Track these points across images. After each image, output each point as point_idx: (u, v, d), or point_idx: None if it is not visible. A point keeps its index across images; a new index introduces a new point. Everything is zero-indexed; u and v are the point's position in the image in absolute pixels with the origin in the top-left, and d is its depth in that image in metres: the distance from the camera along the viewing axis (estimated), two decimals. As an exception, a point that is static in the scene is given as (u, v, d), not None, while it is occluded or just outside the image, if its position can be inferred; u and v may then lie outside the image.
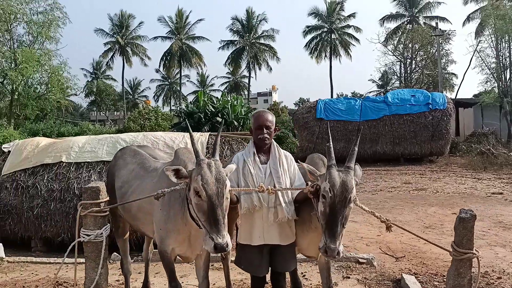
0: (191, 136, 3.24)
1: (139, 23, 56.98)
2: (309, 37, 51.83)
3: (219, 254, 5.13)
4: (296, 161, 3.61)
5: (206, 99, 28.12)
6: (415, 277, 5.18)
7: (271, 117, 3.55)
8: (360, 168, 3.22)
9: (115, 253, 6.45)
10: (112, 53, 56.68)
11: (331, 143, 3.25)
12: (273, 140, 3.60)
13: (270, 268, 3.55)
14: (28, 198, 7.77)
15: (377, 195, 12.64)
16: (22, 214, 7.72)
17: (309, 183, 3.27)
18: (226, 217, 2.94)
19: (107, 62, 58.39)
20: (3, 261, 6.46)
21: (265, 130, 3.48)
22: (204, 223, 2.90)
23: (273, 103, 50.86)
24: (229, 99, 29.29)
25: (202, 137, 8.22)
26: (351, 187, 2.92)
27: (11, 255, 6.95)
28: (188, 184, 3.05)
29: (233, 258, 3.83)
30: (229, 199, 3.04)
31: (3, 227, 7.70)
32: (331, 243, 2.82)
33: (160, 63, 55.61)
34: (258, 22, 54.41)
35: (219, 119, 25.88)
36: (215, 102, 28.45)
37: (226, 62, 55.33)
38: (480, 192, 12.25)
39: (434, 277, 5.35)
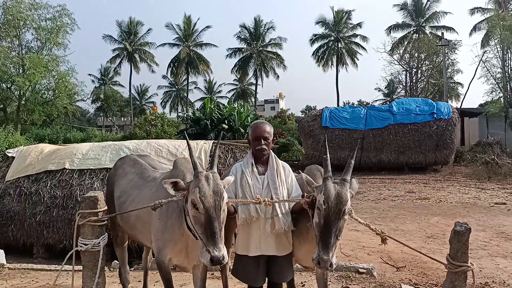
0: (189, 148, 3.26)
1: (148, 30, 57.27)
2: (316, 45, 51.96)
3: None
4: (296, 171, 3.63)
5: (212, 106, 28.23)
6: (415, 287, 5.17)
7: (268, 128, 3.58)
8: (357, 181, 3.24)
9: (115, 261, 6.47)
10: (120, 59, 56.99)
11: (328, 155, 3.27)
12: (271, 151, 3.63)
13: (267, 278, 3.56)
14: (31, 205, 7.84)
15: (380, 204, 12.60)
16: (25, 220, 7.78)
17: (306, 194, 3.29)
18: (223, 229, 2.96)
19: (115, 68, 58.75)
20: (4, 268, 6.49)
21: (263, 141, 3.51)
22: (201, 235, 2.91)
23: (280, 110, 50.93)
24: (235, 106, 29.39)
25: (205, 145, 8.27)
26: (345, 199, 2.94)
27: (13, 261, 7.00)
28: (186, 196, 3.06)
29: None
30: (226, 212, 3.06)
31: (6, 234, 7.76)
32: (324, 254, 2.84)
33: (167, 69, 55.90)
34: (266, 30, 54.62)
35: (225, 126, 25.98)
36: (222, 109, 28.56)
37: (233, 69, 55.55)
38: (484, 202, 12.19)
39: (434, 287, 5.33)
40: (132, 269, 6.33)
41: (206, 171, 3.06)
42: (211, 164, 3.18)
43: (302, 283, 5.45)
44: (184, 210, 3.14)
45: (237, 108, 28.15)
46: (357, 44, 51.03)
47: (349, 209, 3.02)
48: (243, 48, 54.49)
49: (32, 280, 5.95)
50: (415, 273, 6.11)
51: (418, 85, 42.86)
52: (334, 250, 2.88)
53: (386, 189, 15.60)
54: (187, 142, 3.40)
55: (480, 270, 6.11)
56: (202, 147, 8.21)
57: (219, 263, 2.83)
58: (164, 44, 55.76)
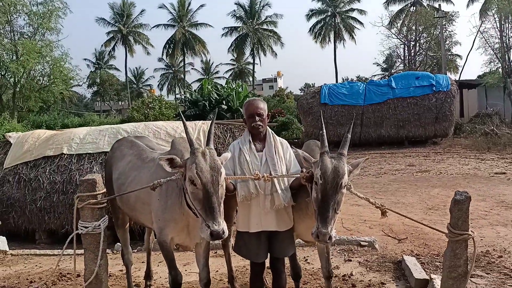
0: (184, 126, 3.24)
1: (141, 11, 56.78)
2: (313, 21, 51.52)
3: (220, 241, 5.19)
4: (292, 148, 3.61)
5: (210, 87, 28.10)
6: (417, 258, 5.20)
7: (262, 105, 3.54)
8: (361, 163, 3.19)
9: (118, 243, 6.48)
10: (114, 43, 56.56)
11: (324, 130, 3.25)
12: (268, 127, 3.60)
13: (269, 254, 3.56)
14: (30, 191, 7.82)
15: (381, 178, 12.63)
16: (26, 207, 7.77)
17: (304, 170, 3.27)
18: (222, 204, 2.95)
19: (110, 52, 58.37)
20: (7, 254, 6.51)
21: (257, 117, 3.48)
22: (200, 211, 2.91)
23: (278, 89, 50.75)
24: (233, 86, 29.26)
25: (203, 126, 8.21)
26: (342, 173, 2.93)
27: (15, 248, 7.01)
28: (184, 173, 3.05)
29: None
30: (224, 187, 3.05)
31: (7, 221, 7.74)
32: (322, 228, 2.83)
33: (163, 51, 55.50)
34: (261, 8, 54.11)
35: (224, 106, 25.90)
36: (220, 89, 28.43)
37: (229, 48, 55.11)
38: (483, 173, 12.21)
39: (436, 257, 5.36)
40: (135, 250, 6.35)
41: (203, 148, 3.03)
42: (208, 140, 3.17)
43: (305, 258, 5.47)
44: (183, 188, 3.13)
45: (235, 88, 28.03)
46: (355, 19, 50.66)
47: (346, 183, 3.00)
48: (238, 27, 54.03)
49: (35, 265, 5.97)
50: (417, 244, 6.14)
51: (417, 59, 42.67)
52: (333, 224, 2.87)
53: (386, 164, 15.62)
54: (183, 120, 3.37)
55: (481, 239, 6.14)
56: (201, 127, 8.15)
57: (219, 237, 2.82)
58: (159, 25, 55.32)
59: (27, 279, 5.30)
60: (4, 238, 6.87)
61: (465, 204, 3.01)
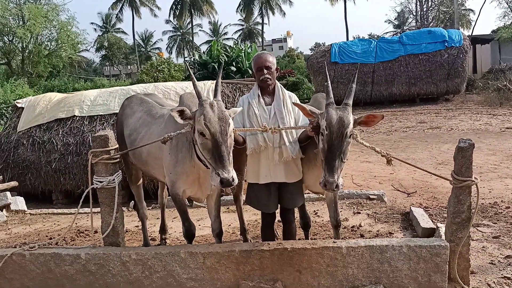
0: (192, 78, 3.29)
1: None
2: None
3: (231, 196, 5.30)
4: (297, 103, 3.63)
5: (219, 49, 27.84)
6: (425, 210, 5.28)
7: (270, 58, 3.56)
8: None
9: (132, 201, 6.64)
10: (121, 5, 55.88)
11: (329, 82, 3.27)
12: (277, 81, 3.62)
13: (279, 205, 3.66)
14: (45, 153, 7.99)
15: (391, 135, 12.64)
16: (41, 168, 7.96)
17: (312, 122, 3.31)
18: (231, 154, 3.02)
19: (117, 15, 57.68)
20: (26, 214, 6.72)
21: (265, 70, 3.49)
22: (209, 160, 2.98)
23: (288, 49, 50.10)
24: (242, 47, 28.96)
25: (213, 85, 8.24)
26: (347, 122, 2.97)
27: (33, 208, 7.21)
28: (193, 126, 3.11)
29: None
30: (233, 137, 3.11)
31: (24, 182, 7.95)
32: (329, 176, 2.89)
33: (170, 12, 54.84)
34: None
35: (233, 68, 25.74)
36: (229, 51, 28.16)
37: (238, 8, 54.26)
38: (495, 128, 12.15)
39: (444, 209, 5.42)
40: (150, 208, 6.50)
41: (211, 100, 3.09)
42: (215, 92, 3.22)
43: (314, 211, 5.58)
44: (193, 141, 3.19)
45: (244, 49, 27.75)
46: (365, -26, 49.26)
47: (352, 133, 3.04)
48: (246, -15, 53.02)
49: (54, 223, 6.16)
50: (426, 197, 6.21)
51: (429, 14, 41.70)
52: (339, 172, 2.93)
53: (397, 121, 15.59)
54: (190, 72, 3.40)
55: (490, 191, 6.20)
56: (210, 87, 8.19)
57: (229, 185, 2.89)
58: (165, -15, 54.30)
59: (47, 236, 5.48)
60: (22, 198, 7.07)
61: (468, 151, 3.05)
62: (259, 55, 3.62)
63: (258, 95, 3.57)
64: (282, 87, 3.65)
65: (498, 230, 4.59)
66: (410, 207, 5.18)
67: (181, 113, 3.11)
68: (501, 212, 5.23)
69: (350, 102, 3.12)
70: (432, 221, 4.75)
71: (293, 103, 3.44)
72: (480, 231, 4.57)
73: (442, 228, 3.88)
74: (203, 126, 2.95)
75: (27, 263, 3.54)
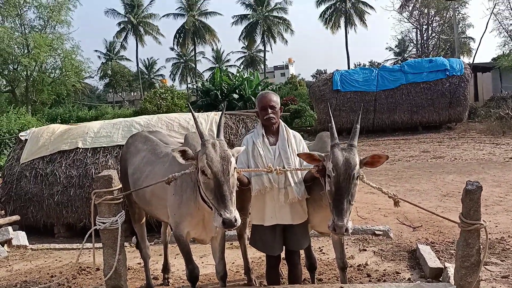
0: (194, 119, 3.32)
1: (150, 1, 56.65)
2: (322, 7, 50.96)
3: (235, 233, 5.23)
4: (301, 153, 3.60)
5: (222, 76, 28.05)
6: (432, 246, 5.21)
7: (275, 98, 3.56)
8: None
9: (135, 238, 6.56)
10: (125, 33, 56.58)
11: (333, 123, 3.27)
12: (281, 121, 3.62)
13: (284, 246, 3.60)
14: (47, 186, 7.95)
15: (395, 165, 12.59)
16: (43, 201, 7.91)
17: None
18: (234, 194, 3.00)
19: (121, 43, 58.33)
20: (27, 249, 6.64)
21: (269, 110, 3.49)
22: (212, 201, 2.97)
23: (290, 76, 50.43)
24: (245, 75, 29.18)
25: (216, 117, 8.27)
26: (354, 164, 2.95)
27: (35, 242, 7.15)
28: (197, 166, 3.11)
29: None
30: (235, 177, 3.10)
31: (26, 215, 7.90)
32: (338, 220, 2.86)
33: (173, 40, 55.40)
34: (270, -6, 53.60)
35: (235, 95, 25.87)
36: (231, 78, 28.37)
37: (240, 36, 54.91)
38: (499, 158, 12.10)
39: (450, 245, 5.35)
40: (153, 243, 6.43)
41: (213, 140, 3.10)
42: (218, 132, 3.26)
43: (320, 248, 5.51)
44: (197, 182, 3.17)
45: (247, 77, 27.96)
46: (365, 4, 49.88)
47: (359, 174, 3.02)
48: (248, 14, 53.70)
49: (56, 260, 6.08)
50: (432, 232, 6.13)
51: (429, 43, 42.14)
52: (348, 215, 2.90)
53: (400, 150, 15.56)
54: (192, 113, 3.47)
55: (496, 225, 6.12)
56: (213, 118, 8.20)
57: (231, 226, 2.86)
58: (168, 14, 55.16)
59: (48, 274, 5.39)
60: (24, 233, 7.00)
61: (476, 193, 3.02)
62: (264, 94, 3.63)
63: (263, 134, 3.56)
64: (287, 126, 3.65)
65: (506, 268, 4.50)
66: (417, 244, 5.10)
67: (183, 153, 3.12)
68: (509, 249, 5.14)
69: (355, 143, 3.11)
70: (439, 258, 4.68)
71: (297, 154, 3.40)
72: (488, 270, 4.47)
73: (450, 268, 3.81)
74: (205, 166, 2.95)
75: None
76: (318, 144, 3.71)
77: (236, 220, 2.86)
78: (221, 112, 3.48)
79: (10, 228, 6.79)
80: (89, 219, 7.64)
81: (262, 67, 57.64)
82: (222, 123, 3.31)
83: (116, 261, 3.50)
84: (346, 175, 2.94)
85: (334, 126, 3.23)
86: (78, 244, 6.76)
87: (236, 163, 3.24)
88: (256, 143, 3.52)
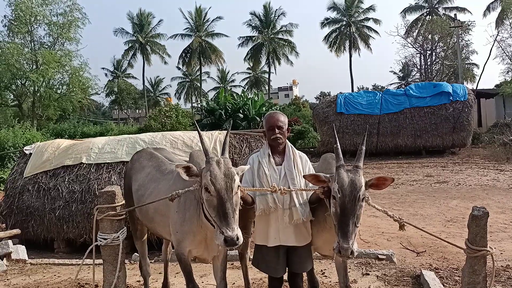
0: (200, 136, 3.35)
1: (158, 21, 57.33)
2: (327, 30, 51.41)
3: (237, 252, 5.17)
4: (312, 159, 3.61)
5: (226, 96, 28.19)
6: (436, 272, 5.14)
7: (282, 118, 3.56)
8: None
9: (135, 253, 6.51)
10: (132, 52, 57.08)
11: (338, 144, 3.26)
12: (287, 141, 3.61)
13: (287, 268, 3.55)
14: (49, 200, 7.92)
15: (398, 189, 12.52)
16: (44, 216, 7.86)
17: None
18: (236, 212, 2.98)
19: (129, 61, 58.78)
20: (26, 264, 6.59)
21: (277, 130, 3.49)
22: (214, 218, 2.95)
23: (294, 97, 50.67)
24: (249, 95, 29.34)
25: (220, 136, 8.26)
26: (359, 186, 2.94)
27: (34, 256, 7.08)
28: (201, 184, 3.09)
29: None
30: (239, 195, 3.08)
31: (26, 229, 7.84)
32: (344, 243, 2.83)
33: (179, 60, 55.80)
34: (276, 17, 54.14)
35: (240, 115, 25.96)
36: (236, 98, 28.51)
37: (245, 57, 55.30)
38: (503, 184, 12.03)
39: (455, 271, 5.28)
40: (153, 261, 6.37)
41: (218, 157, 3.10)
42: (223, 150, 3.24)
43: (322, 271, 5.44)
44: (201, 200, 3.15)
45: (251, 97, 28.09)
46: (370, 28, 50.37)
47: (364, 196, 3.00)
48: (254, 36, 54.16)
49: (54, 275, 6.02)
50: (436, 257, 6.07)
51: (433, 68, 42.36)
52: (354, 238, 2.87)
53: (404, 174, 15.50)
54: (198, 131, 3.49)
55: (501, 253, 6.05)
56: (217, 137, 8.20)
57: (233, 244, 2.83)
58: (176, 35, 55.62)
59: (46, 289, 5.35)
60: (23, 247, 6.95)
61: (483, 219, 2.99)
62: (271, 114, 3.62)
63: (269, 154, 3.54)
64: (293, 147, 3.63)
65: (512, 297, 4.44)
66: (421, 270, 5.04)
67: (187, 169, 3.11)
68: (515, 277, 5.07)
69: (361, 164, 3.10)
70: (444, 285, 4.61)
71: (303, 176, 3.37)
72: (494, 298, 4.41)
73: (455, 295, 3.75)
74: (209, 182, 2.95)
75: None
76: (323, 165, 3.69)
77: (238, 238, 2.84)
78: (225, 131, 3.49)
79: (10, 241, 6.75)
80: (90, 235, 7.64)
81: (267, 88, 57.88)
82: (227, 141, 3.31)
83: (116, 278, 3.47)
84: (351, 196, 2.92)
85: (339, 147, 3.22)
86: (77, 260, 6.71)
87: (240, 182, 3.23)
88: (261, 163, 3.51)
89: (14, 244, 6.90)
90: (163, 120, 25.79)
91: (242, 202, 3.24)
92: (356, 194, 2.93)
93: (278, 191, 3.29)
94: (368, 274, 5.29)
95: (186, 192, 3.25)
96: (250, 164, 3.52)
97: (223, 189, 2.93)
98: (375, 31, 50.03)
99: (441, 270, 5.43)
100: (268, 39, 53.15)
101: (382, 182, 3.14)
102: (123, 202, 3.64)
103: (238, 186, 3.07)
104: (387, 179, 3.12)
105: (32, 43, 28.61)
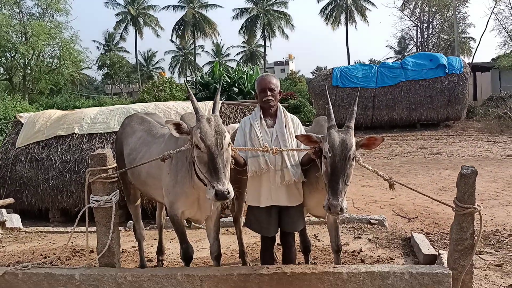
0: (190, 95, 3.32)
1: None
2: (323, 3, 50.83)
3: (231, 217, 5.21)
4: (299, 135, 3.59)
5: (221, 70, 27.99)
6: (426, 236, 5.21)
7: (274, 80, 3.54)
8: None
9: (130, 221, 6.54)
10: (124, 24, 56.32)
11: (330, 105, 3.29)
12: (279, 104, 3.60)
13: (279, 228, 3.59)
14: (43, 170, 7.92)
15: (392, 160, 12.59)
16: (38, 186, 7.88)
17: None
18: (227, 168, 3.01)
19: (121, 34, 58.09)
20: (21, 232, 6.61)
21: (268, 92, 3.47)
22: (205, 174, 2.97)
23: (290, 72, 50.36)
24: (244, 69, 29.15)
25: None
26: (350, 145, 2.97)
27: (29, 225, 7.10)
28: (192, 143, 3.10)
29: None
30: (230, 152, 3.11)
31: (20, 199, 7.87)
32: (333, 200, 2.86)
33: (172, 32, 55.21)
34: (271, -12, 53.49)
35: (235, 89, 25.85)
36: (231, 72, 28.33)
37: (240, 30, 54.75)
38: (496, 155, 12.10)
39: (445, 236, 5.36)
40: (147, 228, 6.40)
41: (208, 115, 3.12)
42: (213, 108, 3.27)
43: (315, 235, 5.50)
44: (192, 161, 3.16)
45: (246, 71, 27.92)
46: (367, 0, 49.83)
47: (355, 155, 3.03)
48: (249, 8, 53.52)
49: (49, 242, 6.06)
50: (427, 223, 6.15)
51: (430, 41, 42.15)
52: (343, 196, 2.90)
53: (398, 146, 15.56)
54: (187, 89, 3.49)
55: (492, 219, 6.13)
56: (211, 107, 8.16)
57: (224, 197, 2.85)
58: (168, 6, 54.95)
59: (41, 255, 5.38)
60: (18, 216, 6.96)
61: (471, 178, 3.02)
62: (263, 76, 3.60)
63: (260, 117, 3.54)
64: (285, 109, 3.62)
65: (500, 258, 4.52)
66: (411, 233, 5.11)
67: (178, 126, 3.13)
68: (504, 240, 5.15)
69: (352, 124, 3.12)
70: (434, 247, 4.67)
71: (295, 136, 3.38)
72: (482, 259, 4.49)
73: (444, 255, 3.81)
74: (199, 139, 2.97)
75: (19, 283, 3.45)
76: (316, 128, 3.70)
77: (229, 192, 2.87)
78: (219, 102, 3.46)
79: (4, 210, 6.75)
80: (84, 205, 7.64)
81: (262, 62, 57.53)
82: (217, 99, 3.32)
83: (109, 239, 3.50)
84: (342, 155, 2.94)
85: (331, 108, 3.23)
86: (72, 228, 6.73)
87: (232, 142, 3.23)
88: (253, 125, 3.50)
89: (8, 213, 6.90)
90: (156, 93, 25.68)
91: (234, 162, 3.26)
92: (346, 153, 2.95)
93: (270, 151, 3.29)
94: (360, 237, 5.36)
95: (177, 153, 3.25)
96: (242, 126, 3.52)
97: (214, 145, 2.95)
98: (372, 3, 49.56)
99: (432, 234, 5.52)
100: (263, 10, 52.54)
101: (373, 142, 3.16)
102: (115, 165, 3.64)
103: (229, 143, 3.08)
104: (377, 138, 3.14)
105: (21, 14, 28.16)
